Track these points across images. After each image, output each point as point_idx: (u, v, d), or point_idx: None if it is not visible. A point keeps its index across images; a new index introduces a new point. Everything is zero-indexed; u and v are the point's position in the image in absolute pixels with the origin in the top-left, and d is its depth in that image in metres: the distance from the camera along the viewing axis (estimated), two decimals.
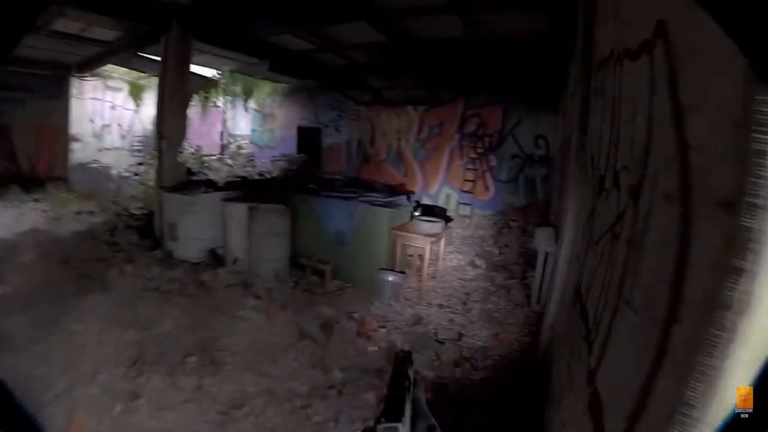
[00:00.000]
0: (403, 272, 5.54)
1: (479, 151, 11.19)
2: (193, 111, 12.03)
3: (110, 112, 10.82)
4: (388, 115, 12.25)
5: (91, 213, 8.39)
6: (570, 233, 3.18)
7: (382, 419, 0.84)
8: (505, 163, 11.01)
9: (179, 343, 3.64)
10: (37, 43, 7.39)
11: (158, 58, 8.76)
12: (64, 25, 6.60)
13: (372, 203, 5.62)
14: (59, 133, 10.37)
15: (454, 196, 11.36)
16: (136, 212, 8.32)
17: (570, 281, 2.72)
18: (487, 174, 11.21)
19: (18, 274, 5.06)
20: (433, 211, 6.52)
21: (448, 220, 6.65)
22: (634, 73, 1.37)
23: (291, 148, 13.34)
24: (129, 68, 9.93)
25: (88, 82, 10.00)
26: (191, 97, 7.04)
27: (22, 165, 14.86)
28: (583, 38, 2.99)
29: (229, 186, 6.70)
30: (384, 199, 5.73)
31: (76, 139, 10.03)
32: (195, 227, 5.73)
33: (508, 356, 4.08)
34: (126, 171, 10.49)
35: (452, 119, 11.57)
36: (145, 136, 11.53)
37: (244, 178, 8.24)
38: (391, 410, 0.86)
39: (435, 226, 5.58)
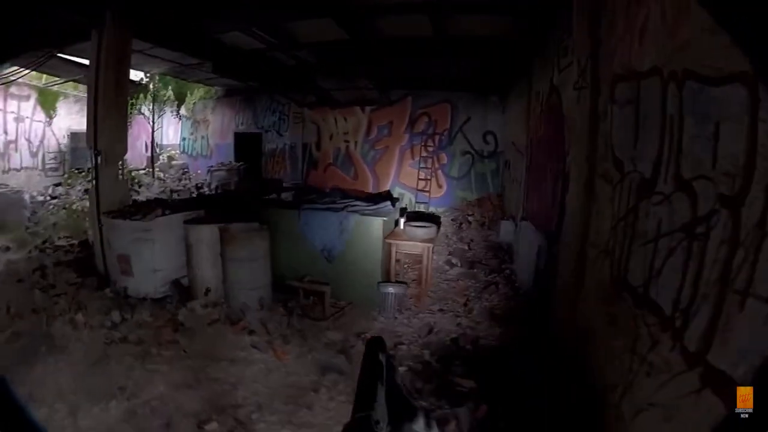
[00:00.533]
0: (405, 282, 5.24)
1: (430, 149, 11.23)
2: None
3: (15, 125, 9.00)
4: (335, 117, 11.83)
5: (6, 249, 6.92)
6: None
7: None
8: (456, 159, 11.18)
9: (184, 407, 2.97)
10: None
11: (78, 60, 7.46)
12: None
13: (362, 213, 5.22)
14: None
15: (408, 196, 11.31)
16: (63, 243, 7.02)
17: (600, 274, 2.70)
18: (439, 171, 11.31)
19: None
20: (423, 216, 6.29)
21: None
22: (718, 96, 1.54)
23: (227, 156, 12.37)
24: (39, 72, 8.29)
25: None
26: (128, 103, 6.00)
27: None
28: (591, 50, 3.06)
29: (185, 205, 5.84)
30: (373, 208, 5.35)
31: None
32: (153, 257, 4.88)
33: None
34: (41, 194, 8.85)
35: (401, 119, 11.48)
36: (60, 152, 9.86)
37: (200, 194, 7.34)
38: (362, 400, 0.79)
39: (430, 231, 5.36)
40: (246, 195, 6.88)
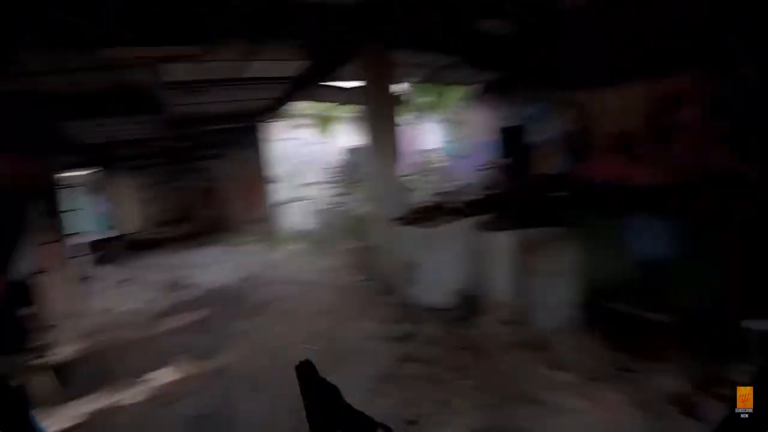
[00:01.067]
0: None
1: None
2: None
3: (302, 149, 11.19)
4: (609, 97, 9.60)
5: (303, 253, 8.35)
6: None
7: None
8: None
9: None
10: (223, 96, 7.63)
11: (343, 84, 8.49)
12: (253, 70, 6.49)
13: None
14: (258, 178, 11.16)
15: None
16: (350, 246, 7.88)
17: None
18: None
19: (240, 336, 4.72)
20: None
21: None
22: None
23: (489, 154, 11.89)
24: (313, 101, 9.97)
25: (276, 123, 10.40)
26: (395, 113, 6.06)
27: (230, 212, 17.21)
28: None
29: (473, 209, 5.36)
30: None
31: (274, 181, 10.52)
32: (441, 266, 4.54)
33: None
34: (328, 204, 10.55)
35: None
36: (340, 167, 11.64)
37: (488, 196, 6.93)
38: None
39: None
40: (535, 194, 6.04)
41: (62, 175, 8.97)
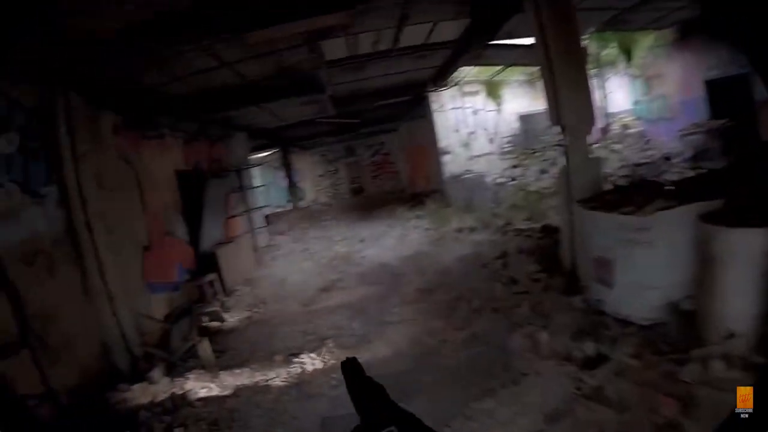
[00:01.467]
0: None
1: None
2: None
3: (473, 118, 10.14)
4: None
5: (473, 230, 7.49)
6: None
7: None
8: None
9: None
10: (385, 69, 7.13)
11: (512, 42, 7.05)
12: (411, 37, 5.72)
13: None
14: (429, 149, 10.61)
15: None
16: (523, 226, 6.68)
17: None
18: None
19: (398, 325, 4.25)
20: None
21: None
22: None
23: (698, 114, 8.63)
24: (480, 65, 8.81)
25: (445, 92, 9.56)
26: (587, 69, 4.51)
27: (404, 184, 17.46)
28: None
29: (695, 190, 3.61)
30: None
31: (446, 152, 9.79)
32: (648, 268, 3.11)
33: None
34: (500, 177, 9.37)
35: None
36: (512, 136, 10.29)
37: (710, 172, 4.96)
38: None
39: None
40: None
41: (248, 156, 10.40)
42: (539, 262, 4.74)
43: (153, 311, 5.14)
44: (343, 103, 8.65)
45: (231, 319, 5.53)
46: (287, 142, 15.20)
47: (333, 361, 3.75)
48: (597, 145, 9.16)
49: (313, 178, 19.39)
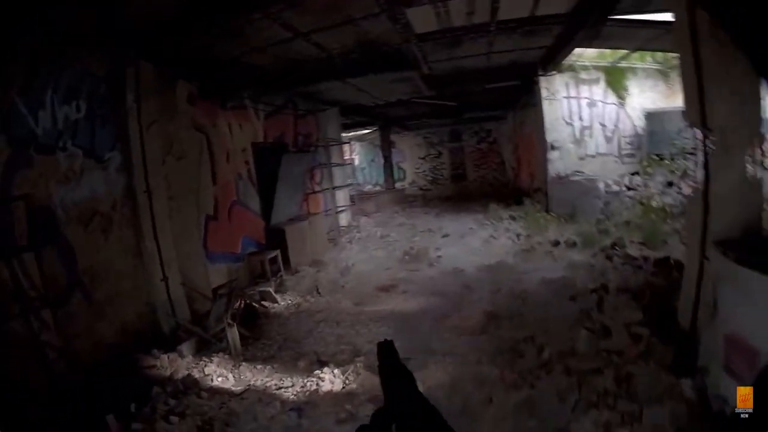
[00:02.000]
0: None
1: None
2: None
3: (588, 111, 8.33)
4: None
5: (571, 245, 6.22)
6: None
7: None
8: None
9: None
10: (497, 45, 6.01)
11: (640, 17, 5.35)
12: (512, 6, 4.61)
13: None
14: (536, 142, 9.12)
15: None
16: (634, 253, 5.29)
17: None
18: None
19: (444, 358, 3.46)
20: None
21: None
22: None
23: None
24: (600, 47, 7.12)
25: (557, 78, 7.99)
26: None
27: (508, 177, 15.87)
28: None
29: None
30: None
31: (554, 147, 8.26)
32: None
33: None
34: (615, 184, 7.70)
35: None
36: (636, 136, 8.31)
37: None
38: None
39: None
40: None
41: (339, 132, 10.16)
42: (645, 311, 3.54)
43: (210, 280, 5.21)
44: (439, 83, 7.83)
45: (282, 302, 5.35)
46: (388, 120, 14.84)
47: (353, 386, 3.22)
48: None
49: (414, 159, 18.91)
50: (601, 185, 7.54)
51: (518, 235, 7.40)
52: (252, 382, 3.46)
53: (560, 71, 7.82)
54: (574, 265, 5.41)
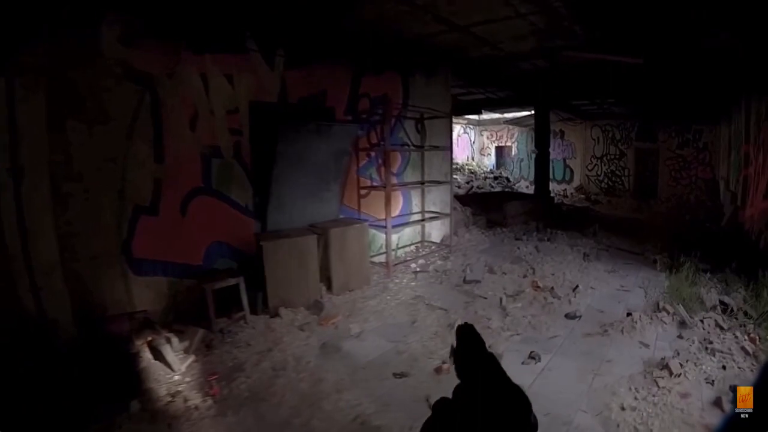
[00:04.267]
0: None
1: None
2: None
3: None
4: None
5: None
6: None
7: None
8: None
9: None
10: None
11: None
12: None
13: None
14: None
15: None
16: None
17: None
18: None
19: None
20: None
21: None
22: None
23: None
24: None
25: None
26: None
27: (722, 204, 9.43)
28: None
29: None
30: None
31: None
32: None
33: None
34: None
35: None
36: None
37: None
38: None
39: None
40: None
41: (447, 105, 7.06)
42: None
43: (134, 297, 3.60)
44: (605, 20, 4.29)
45: (178, 374, 3.04)
46: (552, 101, 10.45)
47: None
48: None
49: (587, 158, 14.34)
50: None
51: (680, 338, 3.46)
52: None
53: None
54: None
